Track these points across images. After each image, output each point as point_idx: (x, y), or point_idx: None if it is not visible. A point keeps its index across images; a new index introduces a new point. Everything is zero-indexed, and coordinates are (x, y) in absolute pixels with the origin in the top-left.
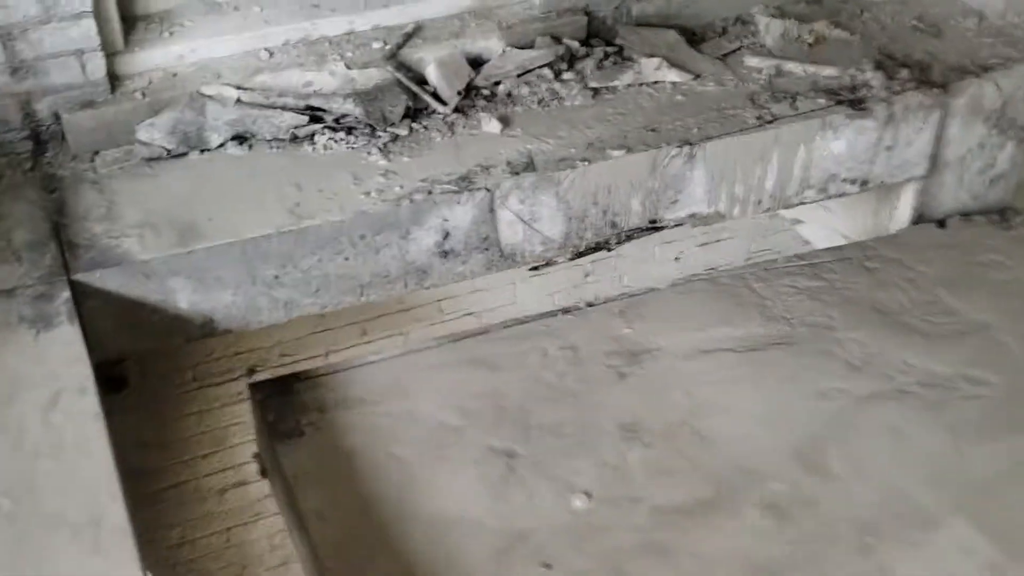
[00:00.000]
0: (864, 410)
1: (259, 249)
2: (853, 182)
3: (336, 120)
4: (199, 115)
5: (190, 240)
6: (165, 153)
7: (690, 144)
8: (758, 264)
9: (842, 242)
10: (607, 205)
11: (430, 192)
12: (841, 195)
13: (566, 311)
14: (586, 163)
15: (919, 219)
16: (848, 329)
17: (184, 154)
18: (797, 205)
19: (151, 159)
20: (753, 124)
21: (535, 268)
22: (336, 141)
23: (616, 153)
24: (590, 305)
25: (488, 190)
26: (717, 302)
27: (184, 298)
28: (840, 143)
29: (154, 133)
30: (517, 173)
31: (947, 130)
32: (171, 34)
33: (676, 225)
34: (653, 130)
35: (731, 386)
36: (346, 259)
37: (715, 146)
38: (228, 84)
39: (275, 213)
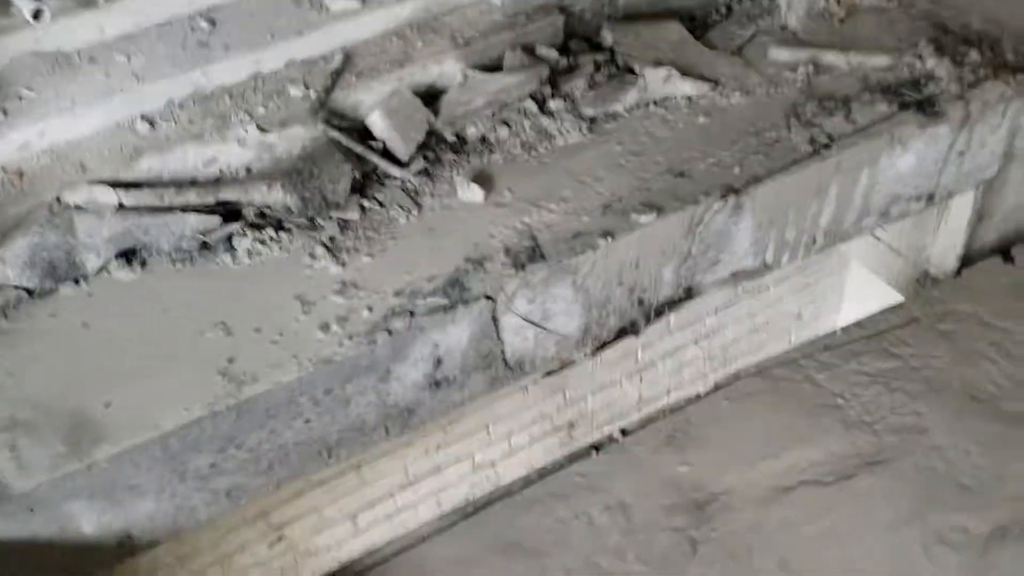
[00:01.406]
0: (993, 557)
1: (187, 440)
2: (919, 199)
3: (259, 213)
4: (66, 234)
5: (86, 444)
6: (25, 295)
7: (735, 192)
8: (813, 344)
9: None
10: (634, 282)
11: (412, 313)
12: (903, 216)
13: (598, 449)
14: (608, 239)
15: (978, 219)
16: (944, 431)
17: (52, 291)
18: (853, 238)
19: (5, 308)
20: (806, 152)
21: (549, 373)
22: (264, 243)
23: (644, 219)
24: (625, 433)
25: (489, 297)
26: (780, 409)
27: (89, 522)
28: (908, 159)
29: (5, 270)
30: (522, 266)
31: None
32: (4, 113)
33: (715, 289)
34: (682, 175)
35: (830, 542)
36: (307, 422)
37: (765, 190)
38: (100, 181)
39: (200, 380)
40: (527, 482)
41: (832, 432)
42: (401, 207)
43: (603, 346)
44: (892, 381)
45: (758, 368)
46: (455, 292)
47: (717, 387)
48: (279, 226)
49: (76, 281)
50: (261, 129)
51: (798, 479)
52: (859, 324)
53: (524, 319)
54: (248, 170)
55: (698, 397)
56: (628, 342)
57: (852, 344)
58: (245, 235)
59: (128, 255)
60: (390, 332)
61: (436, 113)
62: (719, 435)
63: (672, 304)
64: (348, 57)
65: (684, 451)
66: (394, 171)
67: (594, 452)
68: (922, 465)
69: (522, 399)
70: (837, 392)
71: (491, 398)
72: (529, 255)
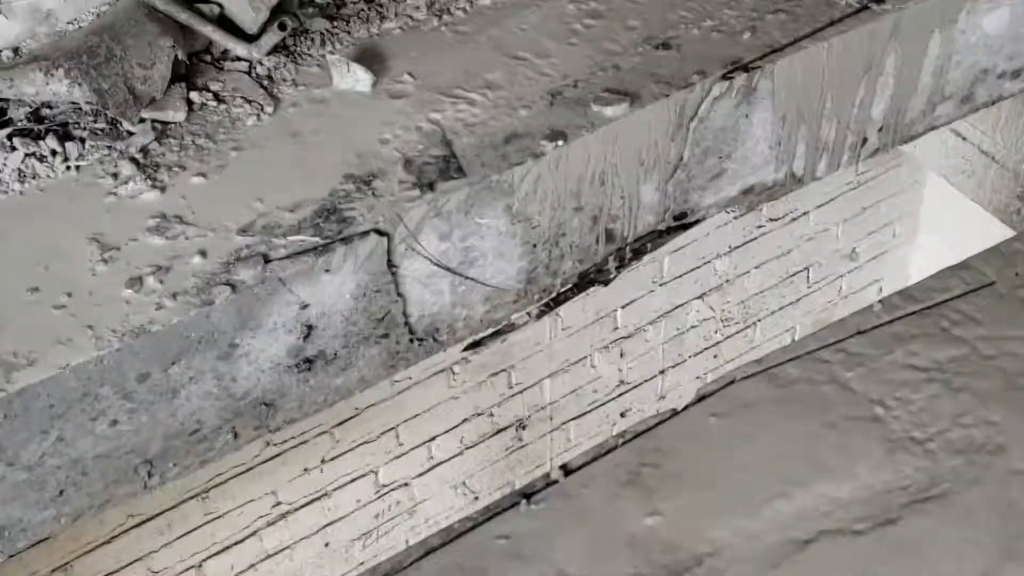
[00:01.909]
0: None
1: None
2: (1016, 75)
3: (34, 116)
4: None
5: None
6: None
7: (745, 69)
8: (842, 326)
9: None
10: (599, 206)
11: (266, 259)
12: (995, 101)
13: (529, 497)
14: (559, 143)
15: None
16: None
17: None
18: (921, 135)
19: None
20: (849, 7)
21: (475, 345)
22: (41, 159)
23: (612, 111)
24: (568, 472)
25: (382, 233)
26: (792, 427)
27: None
28: (1000, 15)
29: None
30: (430, 185)
31: None
32: None
33: (720, 212)
34: (666, 45)
35: None
36: (114, 424)
37: (789, 66)
38: None
39: None
40: (425, 549)
41: (871, 454)
42: (248, 102)
43: (557, 301)
44: (955, 378)
45: (760, 365)
46: (331, 226)
47: (701, 397)
48: (64, 134)
49: None
50: None
51: (818, 528)
52: (905, 293)
53: (436, 263)
54: (15, 51)
55: (674, 412)
56: (599, 298)
57: (896, 324)
58: (15, 148)
59: None
60: (234, 288)
61: None
62: (704, 468)
63: (657, 238)
64: None
65: (653, 495)
66: (237, 48)
67: (523, 502)
68: (997, 499)
69: (445, 387)
70: (875, 398)
71: (398, 387)
72: (440, 169)
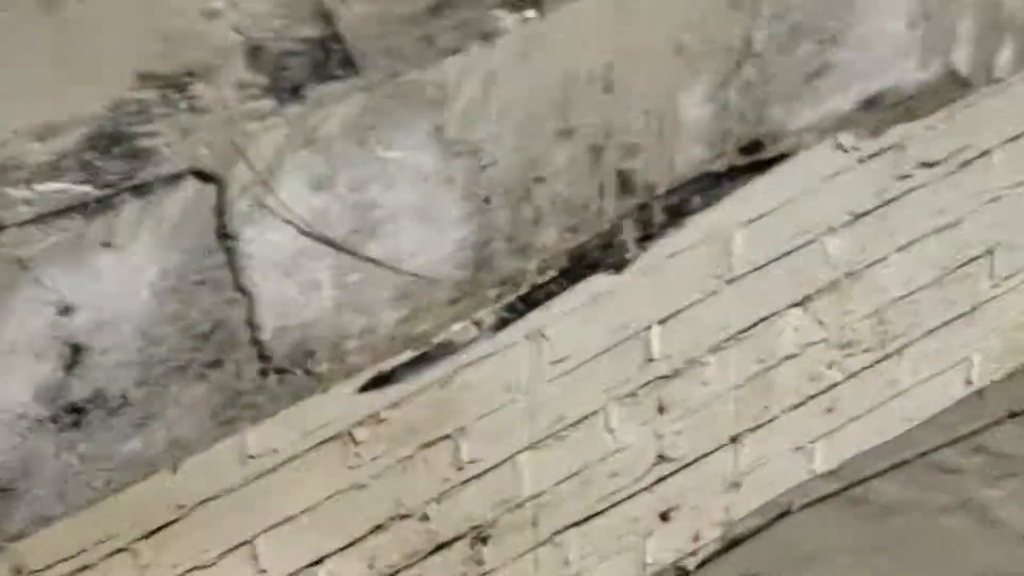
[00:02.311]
0: None
1: None
2: None
3: None
4: None
5: None
6: None
7: None
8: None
9: None
10: (602, 128)
11: None
12: None
13: None
14: (529, 13)
15: None
16: None
17: None
18: None
19: None
20: None
21: (380, 383)
22: None
23: None
24: None
25: (206, 176)
26: None
27: None
28: None
29: None
30: (293, 89)
31: None
32: None
33: (821, 142)
34: None
35: None
36: None
37: None
38: None
39: None
40: None
41: None
42: None
43: (530, 302)
44: None
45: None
46: (113, 164)
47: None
48: None
49: None
50: None
51: None
52: None
53: (306, 232)
54: None
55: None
56: (617, 302)
57: None
58: None
59: None
60: None
61: None
62: None
63: (711, 187)
64: None
65: None
66: None
67: None
68: None
69: (340, 467)
70: None
71: (253, 467)
72: (314, 62)
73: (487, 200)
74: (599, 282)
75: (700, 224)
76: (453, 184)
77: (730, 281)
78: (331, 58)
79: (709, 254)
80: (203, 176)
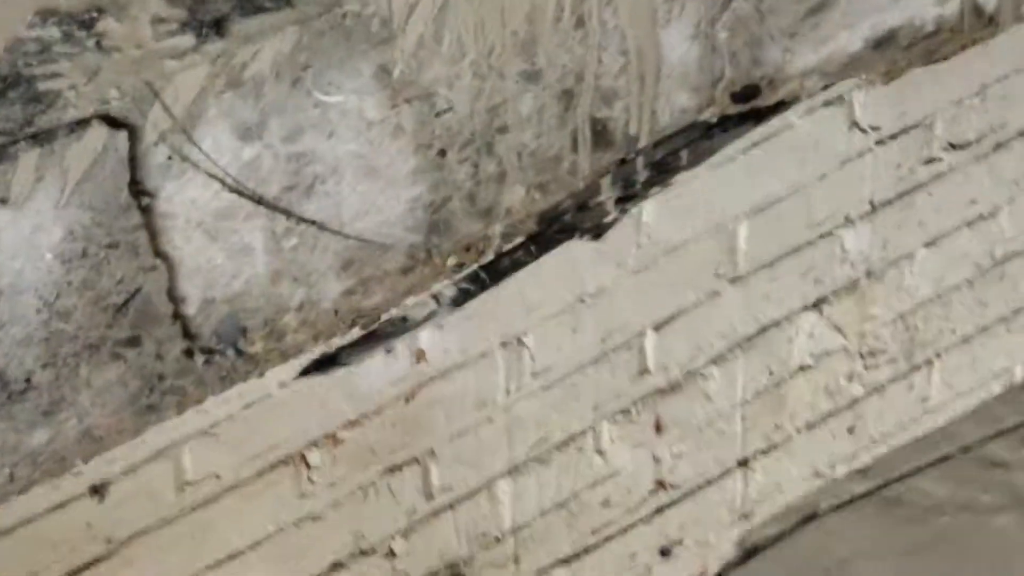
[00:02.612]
0: None
1: None
2: None
3: None
4: None
5: None
6: None
7: None
8: None
9: None
10: (574, 69)
11: None
12: None
13: None
14: None
15: None
16: None
17: None
18: None
19: None
20: None
21: (325, 365)
22: None
23: None
24: None
25: (116, 122)
26: None
27: None
28: None
29: None
30: (215, 24)
31: None
32: None
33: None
34: None
35: None
36: None
37: None
38: None
39: None
40: None
41: None
42: None
43: (495, 272)
44: None
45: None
46: (8, 111)
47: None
48: None
49: None
50: None
51: None
52: None
53: (233, 189)
54: None
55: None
56: (609, 303)
57: None
58: None
59: None
60: None
61: None
62: None
63: (700, 139)
64: None
65: None
66: None
67: None
68: None
69: (292, 495)
70: None
71: (193, 494)
72: None
73: (442, 153)
74: (575, 248)
75: (697, 211)
76: (403, 134)
77: (734, 280)
78: None
79: (709, 249)
80: (113, 122)
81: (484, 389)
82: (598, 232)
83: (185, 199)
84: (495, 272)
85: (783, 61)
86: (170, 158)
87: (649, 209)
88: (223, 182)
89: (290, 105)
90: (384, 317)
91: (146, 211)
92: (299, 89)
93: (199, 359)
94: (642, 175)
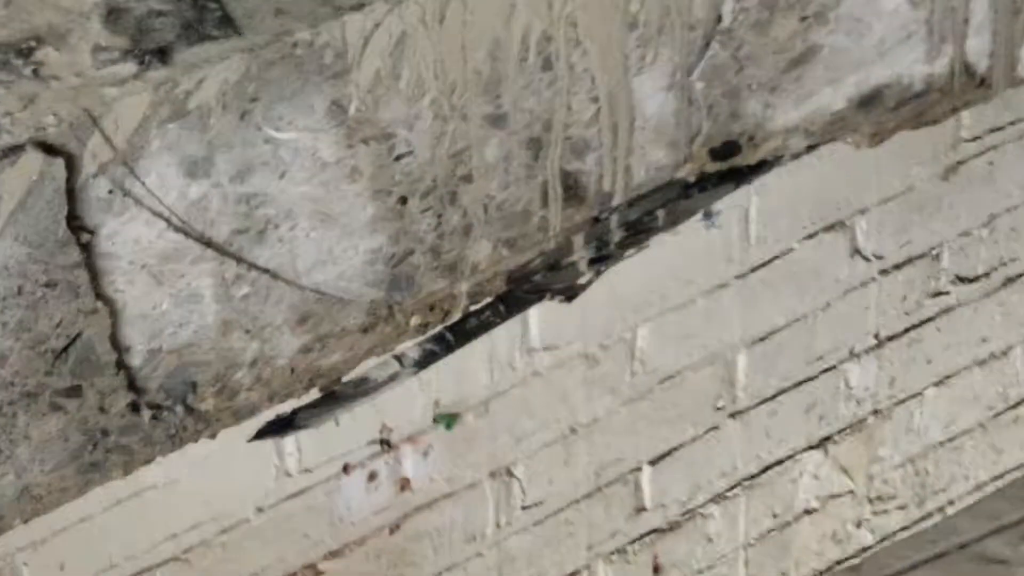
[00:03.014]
0: None
1: None
2: None
3: None
4: None
5: None
6: None
7: None
8: None
9: None
10: (542, 116)
11: None
12: None
13: None
14: None
15: None
16: None
17: None
18: None
19: None
20: None
21: (281, 429)
22: None
23: None
24: None
25: (52, 150)
26: None
27: None
28: None
29: None
30: (159, 52)
31: None
32: None
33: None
34: None
35: None
36: None
37: None
38: None
39: None
40: None
41: None
42: None
43: (462, 333)
44: None
45: None
46: None
47: None
48: None
49: None
50: None
51: None
52: None
53: (179, 229)
54: None
55: None
56: (602, 436)
57: None
58: None
59: None
60: None
61: None
62: None
63: (677, 198)
64: None
65: None
66: None
67: None
68: None
69: None
70: None
71: None
72: (185, 21)
73: (403, 200)
74: (552, 313)
75: (694, 338)
76: (360, 177)
77: (733, 415)
78: (206, 18)
79: (707, 379)
80: (50, 149)
81: (473, 522)
82: (570, 294)
83: (128, 238)
84: (462, 333)
85: (764, 116)
86: (111, 192)
87: (643, 334)
88: (168, 221)
89: (239, 140)
90: (344, 379)
91: (86, 248)
92: (248, 123)
93: (146, 414)
94: (616, 235)
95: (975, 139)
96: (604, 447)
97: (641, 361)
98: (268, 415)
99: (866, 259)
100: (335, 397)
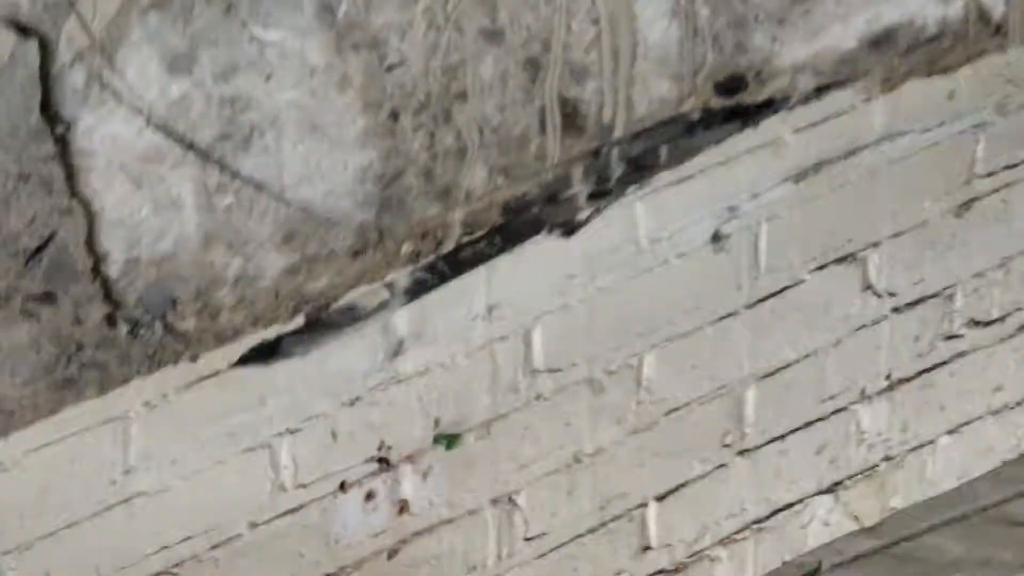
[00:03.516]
0: None
1: None
2: None
3: None
4: None
5: None
6: None
7: None
8: None
9: None
10: (540, 36)
11: None
12: None
13: None
14: None
15: None
16: None
17: None
18: None
19: None
20: None
21: (259, 355)
22: None
23: None
24: None
25: (25, 29)
26: None
27: None
28: None
29: None
30: None
31: None
32: None
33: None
34: None
35: None
36: None
37: None
38: None
39: None
40: None
41: None
42: None
43: (456, 262)
44: None
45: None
46: None
47: None
48: None
49: None
50: None
51: None
52: None
53: (160, 127)
54: None
55: None
56: (608, 466)
57: None
58: None
59: None
60: None
61: None
62: None
63: (682, 135)
64: None
65: None
66: None
67: None
68: None
69: None
70: None
71: None
72: None
73: (394, 115)
74: (550, 249)
75: (701, 368)
76: (350, 87)
77: (742, 452)
78: None
79: (714, 413)
80: (23, 31)
81: (473, 551)
82: (569, 230)
83: (106, 134)
84: (455, 263)
85: (771, 51)
86: (88, 83)
87: (650, 361)
88: (149, 119)
89: (223, 36)
90: (328, 302)
91: (61, 141)
92: (232, 18)
93: (123, 328)
94: (617, 170)
95: (989, 175)
96: (609, 479)
97: (647, 390)
98: (251, 340)
99: (878, 295)
100: (322, 324)
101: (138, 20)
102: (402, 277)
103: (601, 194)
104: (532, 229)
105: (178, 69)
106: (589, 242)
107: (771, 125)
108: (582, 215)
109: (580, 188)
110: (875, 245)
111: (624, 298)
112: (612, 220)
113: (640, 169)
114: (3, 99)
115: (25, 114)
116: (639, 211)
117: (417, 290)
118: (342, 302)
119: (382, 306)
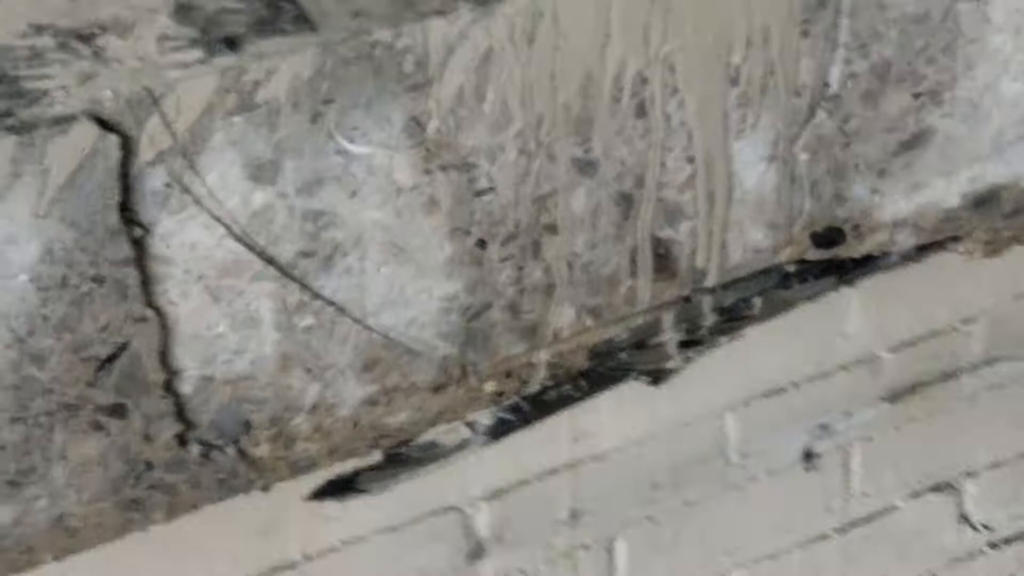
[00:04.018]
0: None
1: None
2: None
3: None
4: None
5: None
6: None
7: None
8: None
9: None
10: (634, 169)
11: None
12: None
13: None
14: None
15: None
16: None
17: None
18: None
19: None
20: None
21: (334, 490)
22: None
23: None
24: None
25: (107, 125)
26: None
27: None
28: None
29: None
30: (228, 42)
31: None
32: None
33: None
34: None
35: None
36: None
37: None
38: None
39: None
40: None
41: None
42: None
43: (542, 405)
44: None
45: None
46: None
47: None
48: None
49: None
50: None
51: None
52: None
53: (239, 239)
54: None
55: None
56: None
57: None
58: None
59: None
60: None
61: None
62: None
63: (776, 286)
64: None
65: None
66: None
67: None
68: None
69: None
70: None
71: None
72: (260, 18)
73: (482, 243)
74: (631, 397)
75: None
76: (437, 210)
77: None
78: (280, 15)
79: None
80: (104, 125)
81: None
82: (657, 377)
83: (184, 241)
84: (540, 405)
85: (871, 204)
86: (168, 185)
87: None
88: (229, 229)
89: (309, 146)
90: (411, 437)
91: (139, 245)
92: (319, 128)
93: (194, 450)
94: (709, 318)
95: None
96: None
97: None
98: (328, 473)
99: (974, 528)
100: (400, 459)
101: (222, 124)
102: (484, 415)
103: (691, 343)
104: (619, 374)
105: (261, 178)
106: (676, 446)
107: (865, 340)
108: (671, 363)
109: (670, 335)
110: (972, 474)
111: (709, 512)
112: (700, 429)
113: (733, 319)
114: (82, 195)
115: (103, 212)
116: (729, 423)
117: (500, 430)
118: (422, 439)
119: (463, 444)
